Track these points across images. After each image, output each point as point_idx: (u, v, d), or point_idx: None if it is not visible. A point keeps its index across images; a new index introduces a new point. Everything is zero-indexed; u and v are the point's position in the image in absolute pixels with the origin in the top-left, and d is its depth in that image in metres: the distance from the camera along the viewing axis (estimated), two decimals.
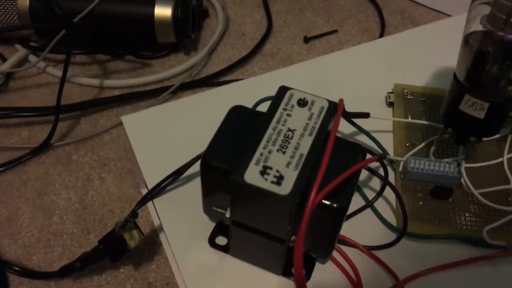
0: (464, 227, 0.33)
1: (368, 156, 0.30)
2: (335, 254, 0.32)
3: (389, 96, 0.40)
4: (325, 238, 0.29)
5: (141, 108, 0.51)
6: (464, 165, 0.35)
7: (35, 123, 0.50)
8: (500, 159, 0.36)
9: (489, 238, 0.31)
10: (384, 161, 0.36)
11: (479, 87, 0.29)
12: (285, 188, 0.25)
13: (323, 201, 0.26)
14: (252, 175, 0.25)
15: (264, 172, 0.25)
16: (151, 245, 0.41)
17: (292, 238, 0.27)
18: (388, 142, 0.38)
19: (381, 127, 0.39)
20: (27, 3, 0.53)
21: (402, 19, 0.64)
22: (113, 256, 0.35)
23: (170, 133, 0.38)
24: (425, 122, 0.37)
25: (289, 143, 0.27)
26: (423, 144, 0.37)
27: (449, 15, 0.63)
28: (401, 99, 0.40)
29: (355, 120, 0.36)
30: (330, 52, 0.51)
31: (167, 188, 0.35)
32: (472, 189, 0.34)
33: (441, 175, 0.34)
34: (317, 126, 0.28)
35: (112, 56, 0.57)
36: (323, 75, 0.44)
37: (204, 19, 0.63)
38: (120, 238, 0.34)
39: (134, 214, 0.34)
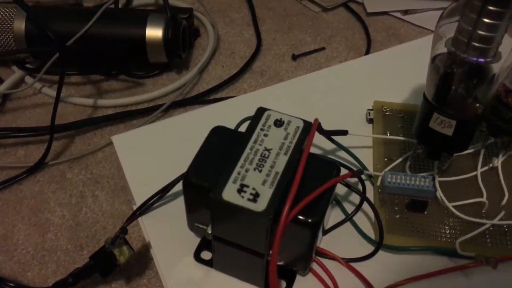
0: (439, 239, 0.34)
1: (344, 172, 0.31)
2: (315, 266, 0.34)
3: (369, 113, 0.42)
4: (302, 251, 0.30)
5: (134, 127, 0.53)
6: (438, 179, 0.37)
7: (30, 143, 0.52)
8: (474, 173, 0.37)
9: (462, 249, 0.33)
10: (363, 176, 0.38)
11: (446, 106, 0.31)
12: (261, 205, 0.26)
13: (297, 216, 0.27)
14: (229, 193, 0.27)
15: (241, 190, 0.27)
16: (142, 260, 0.42)
17: (271, 252, 0.29)
18: (368, 158, 0.40)
19: (362, 143, 0.41)
20: (23, 27, 0.55)
21: (388, 36, 0.66)
22: (103, 272, 0.37)
23: (158, 151, 0.40)
24: (402, 138, 0.39)
25: (265, 162, 0.28)
26: (400, 159, 0.38)
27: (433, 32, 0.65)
28: (380, 116, 0.41)
29: (336, 137, 0.38)
30: (318, 69, 0.53)
31: (155, 205, 0.36)
32: (446, 202, 0.35)
33: (417, 189, 0.36)
34: (292, 145, 0.29)
35: (106, 76, 0.59)
36: (307, 93, 0.45)
37: (195, 38, 0.65)
38: (110, 254, 0.36)
39: (123, 230, 0.36)
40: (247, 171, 0.28)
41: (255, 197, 0.27)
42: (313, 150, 0.40)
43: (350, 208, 0.37)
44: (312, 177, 0.29)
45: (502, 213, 0.35)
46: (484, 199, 0.35)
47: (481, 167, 0.37)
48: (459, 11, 0.29)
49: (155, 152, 0.40)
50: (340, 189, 0.37)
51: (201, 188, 0.28)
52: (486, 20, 0.28)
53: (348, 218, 0.36)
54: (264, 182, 0.27)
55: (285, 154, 0.29)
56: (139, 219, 0.37)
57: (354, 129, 0.40)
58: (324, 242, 0.35)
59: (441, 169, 0.36)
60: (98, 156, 0.51)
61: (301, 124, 0.30)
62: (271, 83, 0.60)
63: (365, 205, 0.37)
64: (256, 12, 0.69)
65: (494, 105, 0.34)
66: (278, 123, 0.30)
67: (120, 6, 0.62)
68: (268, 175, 0.28)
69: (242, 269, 0.32)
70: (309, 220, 0.27)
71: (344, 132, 0.37)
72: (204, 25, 0.66)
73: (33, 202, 0.47)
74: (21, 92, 0.57)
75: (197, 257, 0.33)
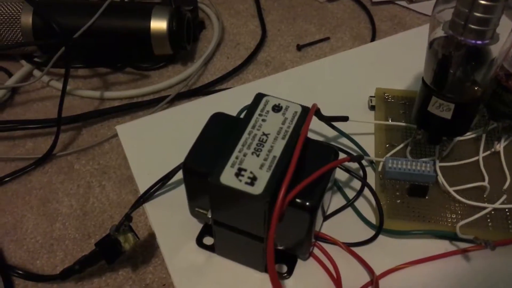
0: (440, 223, 0.34)
1: (342, 157, 0.32)
2: (316, 251, 0.34)
3: (371, 100, 0.42)
4: (301, 235, 0.30)
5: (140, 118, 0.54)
6: (440, 164, 0.37)
7: (39, 135, 0.53)
8: (476, 158, 0.37)
9: (462, 233, 0.33)
10: (365, 162, 0.38)
11: (445, 89, 0.31)
12: (258, 188, 0.27)
13: (294, 199, 0.27)
14: (227, 177, 0.27)
15: (239, 174, 0.27)
16: (148, 248, 0.43)
17: None
18: (370, 144, 0.40)
19: (364, 130, 0.41)
20: (30, 21, 0.55)
21: (393, 25, 0.65)
22: (109, 258, 0.37)
23: (162, 140, 0.40)
24: (403, 124, 0.39)
25: (263, 146, 0.29)
26: (402, 145, 0.38)
27: None
28: (382, 102, 0.42)
29: (338, 124, 0.38)
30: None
31: (158, 192, 0.37)
32: (447, 186, 0.35)
33: (418, 174, 0.36)
34: (290, 129, 0.29)
35: (112, 69, 0.60)
36: (309, 81, 0.46)
37: (200, 30, 0.65)
38: (115, 241, 0.36)
39: (127, 217, 0.36)
40: (245, 155, 0.28)
41: (253, 180, 0.27)
42: (314, 136, 0.40)
43: (351, 194, 0.37)
44: (310, 161, 0.29)
45: (504, 197, 0.35)
46: (485, 183, 0.35)
47: (483, 152, 0.37)
48: None
49: (158, 141, 0.40)
50: (342, 175, 0.38)
51: (200, 173, 0.29)
52: (483, 2, 0.28)
53: (349, 203, 0.36)
54: (261, 166, 0.28)
55: (283, 138, 0.29)
56: (144, 206, 0.37)
57: (356, 115, 0.40)
58: (325, 227, 0.36)
59: (442, 154, 0.36)
60: (105, 147, 0.51)
61: (299, 109, 0.30)
62: (276, 73, 0.60)
63: (366, 191, 0.37)
64: (261, 3, 0.69)
65: (494, 89, 0.34)
66: (276, 108, 0.30)
67: None
68: (265, 159, 0.28)
69: (243, 253, 0.32)
70: (307, 203, 0.28)
71: (344, 118, 0.37)
72: (209, 17, 0.66)
73: (42, 193, 0.48)
74: (30, 86, 0.58)
75: (199, 242, 0.34)
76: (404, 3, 0.67)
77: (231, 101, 0.40)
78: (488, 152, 0.38)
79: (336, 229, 0.35)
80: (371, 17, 0.65)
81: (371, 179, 0.37)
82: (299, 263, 0.34)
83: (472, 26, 0.29)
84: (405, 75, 0.44)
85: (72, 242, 0.44)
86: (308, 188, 0.28)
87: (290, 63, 0.61)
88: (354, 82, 0.45)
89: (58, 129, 0.50)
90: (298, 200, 0.28)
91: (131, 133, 0.40)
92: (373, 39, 0.63)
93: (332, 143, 0.40)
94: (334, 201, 0.37)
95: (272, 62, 0.61)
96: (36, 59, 0.59)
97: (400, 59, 0.46)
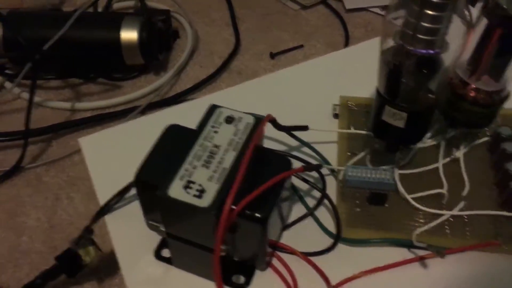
0: (399, 231, 0.34)
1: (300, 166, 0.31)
2: (275, 261, 0.34)
3: (335, 108, 0.42)
4: (255, 247, 0.30)
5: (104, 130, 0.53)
6: (400, 171, 0.37)
7: (8, 147, 0.53)
8: (436, 165, 0.37)
9: (419, 240, 0.33)
10: (326, 170, 0.38)
11: (397, 98, 0.31)
12: (206, 201, 0.27)
13: (244, 211, 0.27)
14: (175, 190, 0.27)
15: (187, 186, 0.27)
16: (114, 260, 0.43)
17: (223, 247, 0.29)
18: (333, 153, 0.40)
19: (327, 139, 0.41)
20: (1, 33, 0.55)
21: (366, 32, 0.66)
22: (70, 272, 0.37)
23: (128, 151, 0.40)
24: (365, 132, 0.39)
25: (213, 158, 0.28)
26: (363, 154, 0.38)
27: None
28: (346, 111, 0.42)
29: (301, 134, 0.38)
30: None
31: (118, 205, 0.37)
32: (405, 194, 0.35)
33: (377, 182, 0.36)
34: (242, 141, 0.29)
35: (84, 80, 0.60)
36: (277, 90, 0.46)
37: (174, 39, 0.66)
38: (75, 254, 0.36)
39: (88, 230, 0.36)
40: (194, 167, 0.28)
41: (201, 193, 0.27)
42: (276, 146, 0.40)
43: (313, 203, 0.37)
44: (263, 172, 0.29)
45: (462, 203, 0.35)
46: (444, 190, 0.35)
47: (443, 159, 0.37)
48: (405, 4, 0.29)
49: (124, 152, 0.40)
50: (304, 184, 0.37)
51: (150, 186, 0.29)
52: (430, 12, 0.28)
53: (309, 213, 0.36)
54: (210, 178, 0.28)
55: (234, 150, 0.29)
56: (104, 219, 0.37)
57: (321, 124, 0.40)
58: (285, 237, 0.35)
59: (400, 162, 0.36)
60: (74, 158, 0.51)
61: (251, 121, 0.30)
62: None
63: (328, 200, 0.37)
64: (235, 11, 0.69)
65: (449, 97, 0.34)
66: (229, 119, 0.30)
67: (100, 9, 0.63)
68: (215, 171, 0.28)
69: (199, 265, 0.32)
70: (257, 215, 0.28)
71: (304, 128, 0.37)
72: (183, 26, 0.67)
73: (9, 206, 0.47)
74: (1, 98, 0.58)
75: (157, 255, 0.34)
76: (378, 10, 0.68)
77: (201, 110, 0.40)
78: (448, 159, 0.38)
79: (297, 239, 0.35)
80: (345, 24, 0.66)
81: (333, 188, 0.37)
82: (258, 274, 0.34)
83: (421, 36, 0.29)
84: (370, 83, 0.44)
85: (39, 256, 0.44)
86: (259, 199, 0.28)
87: (263, 71, 0.62)
88: (321, 90, 0.45)
89: (26, 141, 0.50)
90: (248, 212, 0.28)
91: (95, 145, 0.40)
92: (346, 46, 0.64)
93: (294, 152, 0.40)
94: (295, 210, 0.37)
95: (245, 70, 0.62)
96: (7, 71, 0.59)
97: (369, 66, 0.46)
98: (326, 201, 0.37)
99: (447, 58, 0.31)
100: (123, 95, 0.58)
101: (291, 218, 0.36)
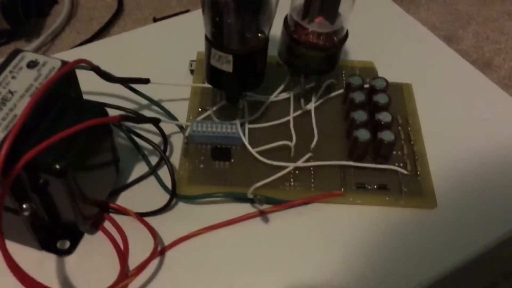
0: (242, 186, 0.32)
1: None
2: (106, 224, 0.31)
3: (191, 64, 0.40)
4: (64, 205, 0.27)
5: None
6: (249, 126, 0.35)
7: None
8: (288, 118, 0.36)
9: (256, 194, 0.31)
10: (175, 127, 0.36)
11: (221, 40, 0.29)
12: None
13: (38, 162, 0.24)
14: None
15: None
16: None
17: (25, 206, 0.26)
18: (185, 109, 0.37)
19: (182, 95, 0.38)
20: None
21: None
22: None
23: None
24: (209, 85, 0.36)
25: (5, 105, 0.25)
26: (215, 109, 0.36)
27: None
28: (201, 66, 0.39)
29: (152, 92, 0.36)
30: None
31: None
32: (250, 148, 0.33)
33: (223, 136, 0.34)
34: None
35: None
36: (133, 48, 0.43)
37: (51, 5, 0.61)
38: None
39: None
40: None
41: None
42: (118, 102, 0.37)
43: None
44: (69, 122, 0.26)
45: (308, 155, 0.33)
46: (289, 142, 0.34)
47: (295, 112, 0.36)
48: None
49: None
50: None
51: None
52: None
53: (150, 171, 0.34)
54: None
55: (31, 96, 0.26)
56: None
57: (177, 80, 0.38)
58: (124, 198, 0.33)
59: (244, 115, 0.34)
60: None
61: (58, 65, 0.27)
62: None
63: (174, 157, 0.35)
64: None
65: (287, 43, 0.33)
66: (32, 64, 0.27)
67: None
68: (4, 118, 0.25)
69: (16, 231, 0.29)
70: (55, 166, 0.25)
71: (145, 81, 0.34)
72: None
73: None
74: None
75: None
76: None
77: None
78: (300, 112, 0.36)
79: (137, 199, 0.33)
80: None
81: (180, 144, 0.35)
82: (87, 238, 0.31)
83: None
84: None
85: None
86: (57, 150, 0.25)
87: None
88: (180, 47, 0.42)
89: None
90: (42, 164, 0.25)
91: None
92: None
93: (145, 111, 0.37)
94: (138, 169, 0.34)
95: None
96: None
97: None
98: (172, 159, 0.35)
99: None
100: None
101: (132, 177, 0.34)
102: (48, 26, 0.59)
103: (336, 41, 0.32)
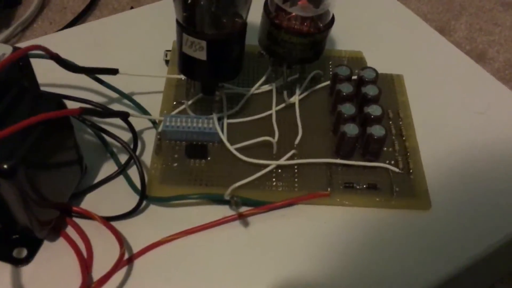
0: (219, 187, 0.30)
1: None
2: (69, 229, 0.28)
3: (166, 54, 0.37)
4: (19, 209, 0.24)
5: None
6: (229, 120, 0.32)
7: None
8: (270, 112, 0.33)
9: (233, 195, 0.28)
10: (147, 122, 0.33)
11: (193, 24, 0.26)
12: None
13: None
14: None
15: None
16: None
17: None
18: (159, 102, 0.35)
19: (156, 88, 0.35)
20: None
21: None
22: None
23: None
24: (183, 77, 0.34)
25: None
26: (190, 102, 0.33)
27: None
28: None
29: (123, 85, 0.33)
30: None
31: None
32: (227, 144, 0.31)
33: (198, 132, 0.31)
34: None
35: None
36: (107, 37, 0.40)
37: None
38: None
39: None
40: None
41: None
42: (82, 94, 0.34)
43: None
44: (16, 114, 0.23)
45: (291, 152, 0.31)
46: (271, 138, 0.31)
47: (278, 106, 0.33)
48: None
49: None
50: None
51: None
52: None
53: (118, 171, 0.31)
54: None
55: None
56: None
57: (151, 72, 0.35)
58: (89, 200, 0.30)
59: (220, 108, 0.31)
60: None
61: (8, 51, 0.24)
62: None
63: (145, 155, 0.32)
64: None
65: (268, 29, 0.30)
66: None
67: None
68: None
69: None
70: (2, 166, 0.22)
71: (113, 71, 0.31)
72: None
73: None
74: None
75: None
76: None
77: None
78: (283, 105, 0.33)
79: (103, 202, 0.30)
80: None
81: (152, 141, 0.32)
82: (47, 245, 0.28)
83: None
84: None
85: None
86: (5, 147, 0.22)
87: None
88: (153, 38, 0.39)
89: None
90: None
91: None
92: None
93: (114, 105, 0.35)
94: (105, 168, 0.31)
95: None
96: None
97: None
98: (143, 158, 0.32)
99: None
100: None
101: (98, 178, 0.31)
102: (18, 16, 0.55)
103: (321, 26, 0.29)
